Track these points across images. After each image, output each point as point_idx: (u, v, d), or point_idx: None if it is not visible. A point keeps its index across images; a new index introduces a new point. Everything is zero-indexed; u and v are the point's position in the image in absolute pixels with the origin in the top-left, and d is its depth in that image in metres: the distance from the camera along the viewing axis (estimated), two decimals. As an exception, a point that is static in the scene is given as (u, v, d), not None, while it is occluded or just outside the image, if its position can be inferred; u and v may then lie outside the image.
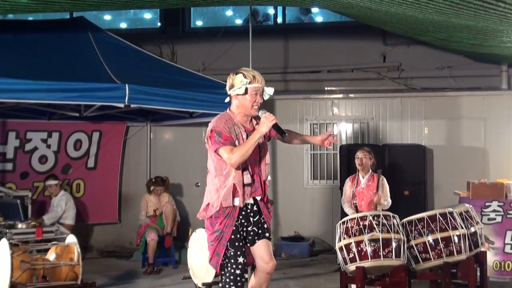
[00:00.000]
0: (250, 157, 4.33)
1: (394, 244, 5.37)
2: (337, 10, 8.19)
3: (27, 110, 8.64)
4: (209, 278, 6.24)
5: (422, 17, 5.83)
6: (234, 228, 4.35)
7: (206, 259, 6.42)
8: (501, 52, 8.25)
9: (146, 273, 8.20)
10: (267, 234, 4.53)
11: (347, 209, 6.71)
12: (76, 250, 5.59)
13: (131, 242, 9.90)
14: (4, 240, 5.53)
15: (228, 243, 4.34)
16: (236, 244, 4.36)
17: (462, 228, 5.68)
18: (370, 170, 6.75)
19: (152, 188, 8.86)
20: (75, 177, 9.81)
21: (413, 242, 5.67)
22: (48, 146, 9.57)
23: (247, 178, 4.40)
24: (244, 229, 4.45)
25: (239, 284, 4.34)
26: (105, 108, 8.32)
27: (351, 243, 5.42)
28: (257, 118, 4.50)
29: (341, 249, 5.51)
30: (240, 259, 4.35)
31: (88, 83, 6.67)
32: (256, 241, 4.50)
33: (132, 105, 6.94)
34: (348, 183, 6.84)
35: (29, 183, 9.38)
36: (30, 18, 10.25)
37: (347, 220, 5.56)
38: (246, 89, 4.37)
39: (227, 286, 4.34)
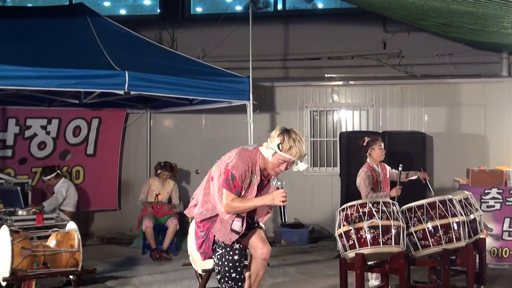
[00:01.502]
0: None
1: (393, 231, 5.38)
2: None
3: (27, 97, 8.62)
4: (209, 265, 6.25)
5: (422, 3, 5.80)
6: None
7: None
8: (501, 41, 8.22)
9: (155, 259, 8.21)
10: (255, 225, 4.58)
11: (379, 195, 6.33)
12: (77, 236, 5.58)
13: (131, 228, 9.93)
14: (4, 227, 5.53)
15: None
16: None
17: (462, 215, 5.70)
18: None
19: (159, 171, 8.84)
20: (74, 163, 9.81)
21: (412, 229, 5.69)
22: (48, 133, 9.56)
23: (236, 225, 4.32)
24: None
25: (238, 269, 4.35)
26: (104, 95, 8.30)
27: (351, 230, 5.43)
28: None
29: (340, 236, 5.52)
30: (236, 245, 4.38)
31: (88, 70, 6.65)
32: (252, 228, 4.56)
33: (131, 92, 6.93)
34: (368, 173, 6.43)
35: (27, 169, 9.40)
36: (29, 5, 10.22)
37: (346, 207, 5.57)
38: (275, 152, 4.12)
39: (227, 274, 4.33)
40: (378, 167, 6.58)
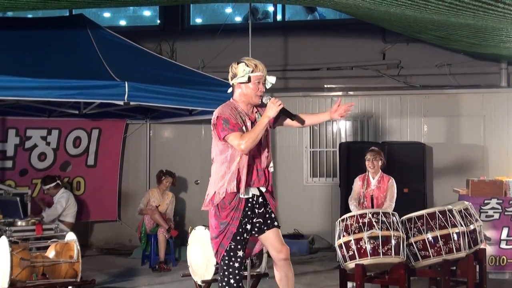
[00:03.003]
0: None
1: (393, 242, 5.37)
2: (336, 9, 8.19)
3: (27, 107, 8.63)
4: (209, 276, 6.25)
5: (421, 17, 5.83)
6: (239, 221, 4.37)
7: (206, 256, 6.45)
8: (500, 52, 8.25)
9: (154, 270, 8.19)
10: (275, 223, 4.57)
11: (352, 207, 6.67)
12: (76, 247, 5.58)
13: (131, 239, 9.91)
14: (3, 237, 5.53)
15: (232, 235, 4.36)
16: (238, 238, 4.37)
17: (462, 225, 5.69)
18: (380, 171, 6.76)
19: (163, 178, 8.80)
20: (75, 174, 9.80)
21: (412, 240, 5.68)
22: (48, 144, 9.56)
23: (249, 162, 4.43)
24: (250, 221, 4.45)
25: (237, 277, 4.35)
26: (104, 106, 8.31)
27: (351, 240, 5.43)
28: (261, 106, 4.56)
29: (340, 246, 5.52)
30: (240, 253, 4.37)
31: (88, 80, 6.66)
32: (265, 231, 4.53)
33: (131, 103, 6.94)
34: (358, 182, 6.81)
35: (28, 180, 9.38)
36: (30, 16, 10.25)
37: (346, 218, 5.56)
38: (249, 77, 4.44)
39: (225, 279, 4.35)
40: (373, 178, 6.67)
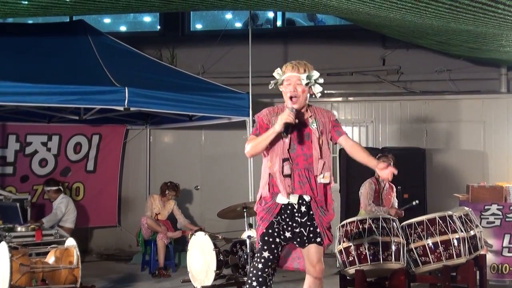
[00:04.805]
0: (297, 148, 4.25)
1: (393, 247, 5.37)
2: (336, 15, 8.20)
3: (27, 113, 8.64)
4: (209, 282, 6.25)
5: (421, 22, 5.84)
6: (269, 223, 4.25)
7: (206, 262, 6.46)
8: (500, 57, 8.26)
9: (154, 276, 8.17)
10: (318, 240, 4.28)
11: (375, 209, 6.68)
12: (76, 253, 5.58)
13: (131, 245, 9.89)
14: (3, 243, 5.53)
15: (259, 236, 4.29)
16: (266, 238, 4.24)
17: (462, 231, 5.69)
18: None
19: (167, 192, 8.76)
20: (74, 180, 9.80)
21: (412, 245, 5.68)
22: (48, 150, 9.56)
23: (287, 169, 4.24)
24: (289, 228, 4.26)
25: (260, 279, 4.19)
26: (104, 111, 8.33)
27: (351, 246, 5.43)
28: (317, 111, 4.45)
29: (340, 252, 5.51)
30: (265, 254, 4.22)
31: (88, 86, 6.68)
32: (307, 244, 4.32)
33: (131, 108, 6.96)
34: (372, 186, 6.81)
35: (28, 187, 9.37)
36: (30, 22, 10.26)
37: (346, 223, 5.57)
38: (282, 81, 4.34)
39: (249, 280, 4.25)
40: (384, 183, 6.74)
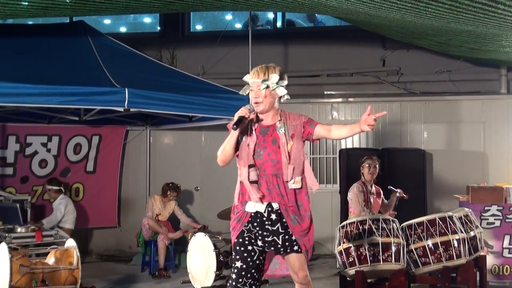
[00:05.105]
0: (263, 154, 4.15)
1: (393, 248, 5.37)
2: (336, 16, 8.20)
3: (27, 114, 8.63)
4: (209, 283, 6.25)
5: (421, 22, 5.84)
6: (239, 232, 4.19)
7: (206, 263, 6.46)
8: (500, 57, 8.26)
9: (154, 276, 8.15)
10: (295, 248, 4.15)
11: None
12: (76, 254, 5.58)
13: (131, 246, 9.89)
14: (3, 244, 5.52)
15: (232, 246, 4.25)
16: (237, 248, 4.20)
17: (462, 232, 5.69)
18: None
19: (168, 192, 8.76)
20: (74, 180, 9.79)
21: (412, 246, 5.68)
22: (48, 150, 9.56)
23: (253, 175, 4.15)
24: (260, 237, 4.16)
25: None
26: (104, 112, 8.32)
27: (351, 247, 5.43)
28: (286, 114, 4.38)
29: (340, 253, 5.51)
30: (238, 264, 4.17)
31: (88, 87, 6.66)
32: (282, 253, 4.23)
33: (131, 109, 6.94)
34: (360, 189, 6.66)
35: (28, 187, 9.36)
36: (30, 22, 10.27)
37: (346, 224, 5.57)
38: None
39: None
40: (371, 186, 6.68)
